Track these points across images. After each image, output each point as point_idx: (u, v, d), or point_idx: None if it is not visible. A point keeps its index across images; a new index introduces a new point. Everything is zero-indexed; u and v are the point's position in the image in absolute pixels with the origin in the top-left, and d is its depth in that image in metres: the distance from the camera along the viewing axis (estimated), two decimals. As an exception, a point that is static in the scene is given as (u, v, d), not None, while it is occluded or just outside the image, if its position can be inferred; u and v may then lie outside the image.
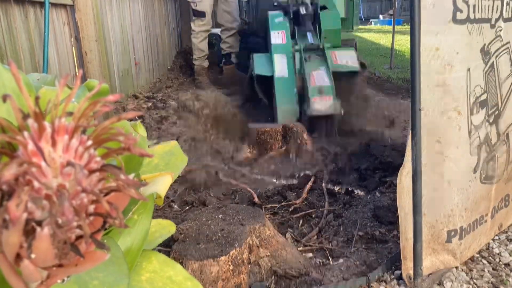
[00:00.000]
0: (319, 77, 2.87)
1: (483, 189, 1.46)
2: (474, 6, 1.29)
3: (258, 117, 3.31)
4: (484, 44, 1.37)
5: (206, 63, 4.40)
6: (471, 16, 1.28)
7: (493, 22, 1.39)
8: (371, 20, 12.78)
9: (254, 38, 4.47)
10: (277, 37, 3.37)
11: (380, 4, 15.31)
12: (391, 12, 12.52)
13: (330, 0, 3.72)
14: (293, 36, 3.39)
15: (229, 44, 4.50)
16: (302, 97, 2.94)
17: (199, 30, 4.23)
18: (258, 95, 3.32)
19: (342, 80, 3.05)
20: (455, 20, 1.25)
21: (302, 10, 3.46)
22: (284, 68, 3.11)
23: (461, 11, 1.25)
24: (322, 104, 2.72)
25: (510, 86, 1.51)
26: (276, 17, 3.53)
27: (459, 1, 1.24)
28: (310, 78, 2.86)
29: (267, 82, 3.22)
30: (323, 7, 3.61)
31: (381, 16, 12.80)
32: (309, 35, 3.33)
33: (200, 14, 4.17)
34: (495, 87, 1.44)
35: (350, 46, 3.45)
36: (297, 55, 3.11)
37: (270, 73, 3.10)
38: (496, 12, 1.39)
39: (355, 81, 3.22)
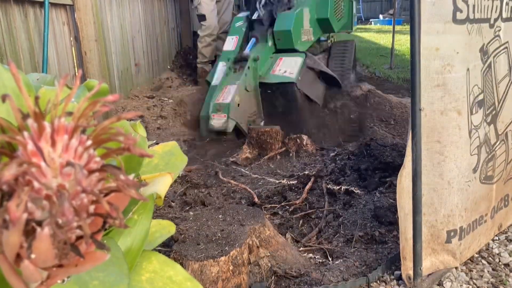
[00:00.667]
0: (227, 93, 2.92)
1: (483, 189, 1.46)
2: (473, 6, 1.29)
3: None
4: (483, 44, 1.38)
5: (208, 67, 4.30)
6: (471, 16, 1.28)
7: (492, 22, 1.39)
8: (371, 20, 12.78)
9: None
10: (230, 43, 3.32)
11: (380, 4, 15.32)
12: (391, 12, 12.52)
13: (302, 1, 3.50)
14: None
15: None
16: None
17: (203, 34, 4.20)
18: None
19: (275, 91, 3.07)
20: (455, 20, 1.25)
21: (260, 12, 3.34)
22: (219, 77, 3.11)
23: (461, 11, 1.25)
24: (217, 121, 2.84)
25: (507, 86, 1.51)
26: (238, 21, 3.46)
27: (459, 1, 1.24)
28: (220, 93, 2.93)
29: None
30: (289, 8, 3.43)
31: (381, 16, 12.80)
32: (251, 41, 3.24)
33: (201, 18, 4.12)
34: (491, 86, 1.45)
35: (301, 53, 3.30)
36: (227, 65, 3.12)
37: (212, 80, 3.15)
38: (495, 12, 1.40)
39: (289, 92, 3.09)
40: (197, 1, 4.05)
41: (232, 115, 2.85)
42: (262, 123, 3.02)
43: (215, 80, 3.12)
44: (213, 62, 4.32)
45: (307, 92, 3.16)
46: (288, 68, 3.08)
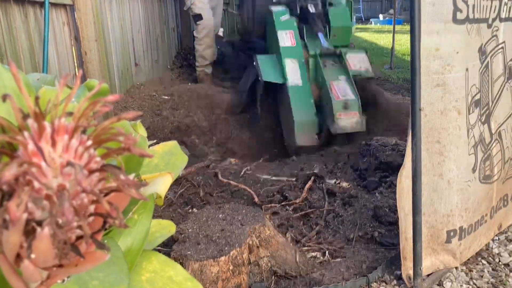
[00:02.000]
0: (341, 89, 2.61)
1: (483, 189, 1.46)
2: (473, 6, 1.29)
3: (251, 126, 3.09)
4: (482, 44, 1.38)
5: (209, 70, 4.12)
6: (470, 16, 1.29)
7: (490, 22, 1.40)
8: (371, 20, 12.77)
9: (251, 40, 4.12)
10: (285, 38, 2.99)
11: (380, 4, 15.31)
12: (391, 12, 12.52)
13: None
14: (301, 37, 3.05)
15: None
16: (320, 108, 2.71)
17: (201, 36, 3.92)
18: (255, 103, 3.03)
19: (359, 88, 2.81)
20: (455, 20, 1.25)
21: (311, 8, 3.11)
22: (297, 75, 2.80)
23: (461, 11, 1.25)
24: (348, 120, 2.49)
25: (501, 85, 1.52)
26: (281, 15, 3.13)
27: (459, 1, 1.24)
28: (331, 89, 2.60)
29: (273, 90, 2.95)
30: (330, 4, 3.31)
31: (381, 16, 12.79)
32: (320, 36, 2.97)
33: (197, 18, 3.87)
34: (488, 86, 1.45)
35: (359, 49, 3.18)
36: (311, 61, 2.84)
37: (281, 80, 2.80)
38: (494, 12, 1.40)
39: (371, 88, 2.96)
40: (190, 1, 3.80)
41: (361, 112, 2.58)
42: (364, 121, 2.65)
43: (294, 80, 2.80)
44: (214, 63, 4.16)
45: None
46: (359, 63, 2.95)
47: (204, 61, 4.05)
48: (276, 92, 3.01)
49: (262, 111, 3.11)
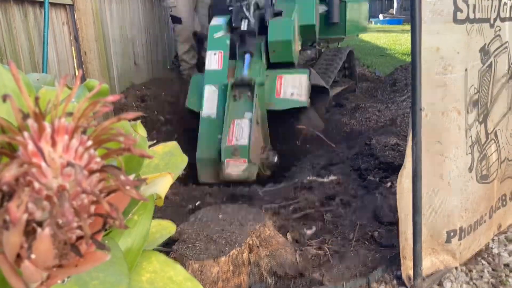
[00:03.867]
0: (238, 131, 2.30)
1: (481, 189, 1.46)
2: (474, 6, 1.29)
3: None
4: (485, 44, 1.38)
5: (195, 72, 3.84)
6: (471, 16, 1.29)
7: (492, 21, 1.40)
8: (371, 19, 12.78)
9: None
10: (213, 60, 2.62)
11: (380, 3, 15.33)
12: (391, 11, 12.52)
13: (291, 4, 2.95)
14: (234, 56, 2.68)
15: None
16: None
17: (180, 40, 3.80)
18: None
19: (286, 118, 2.56)
20: (455, 20, 1.25)
21: (243, 24, 2.64)
22: (213, 106, 2.47)
23: (461, 11, 1.25)
24: (235, 168, 2.22)
25: (502, 85, 1.52)
26: (215, 30, 2.73)
27: (459, 1, 1.24)
28: (229, 130, 2.31)
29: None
30: (277, 13, 2.84)
31: (381, 16, 12.80)
32: (246, 59, 2.57)
33: (176, 20, 3.69)
34: (487, 86, 1.45)
35: (303, 69, 2.76)
36: (228, 90, 2.45)
37: (199, 108, 2.52)
38: (495, 11, 1.40)
39: (303, 117, 2.62)
40: (171, 3, 3.62)
41: (253, 158, 2.26)
42: (276, 159, 2.46)
43: (208, 110, 2.49)
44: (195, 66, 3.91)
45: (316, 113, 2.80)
46: (293, 89, 2.56)
47: (186, 64, 3.93)
48: None
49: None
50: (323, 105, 2.96)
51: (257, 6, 2.74)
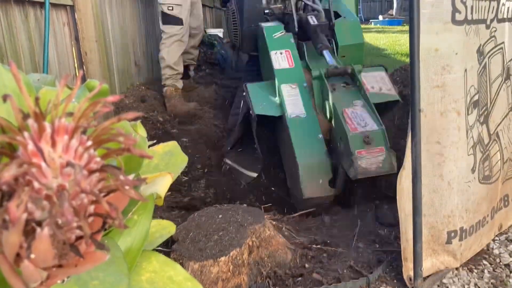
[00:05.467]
0: (358, 118, 1.91)
1: (483, 190, 1.47)
2: (471, 7, 1.29)
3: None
4: (480, 45, 1.38)
5: (180, 84, 3.34)
6: (469, 17, 1.29)
7: (488, 22, 1.40)
8: (371, 20, 12.79)
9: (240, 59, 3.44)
10: (281, 59, 2.35)
11: (380, 4, 15.34)
12: (390, 12, 12.52)
13: (343, 4, 2.70)
14: (301, 57, 2.41)
15: (193, 56, 3.64)
16: (332, 145, 2.05)
17: (173, 42, 3.18)
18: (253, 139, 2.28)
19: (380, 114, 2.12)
20: (454, 21, 1.25)
21: (312, 20, 2.37)
22: (298, 104, 2.13)
23: (459, 12, 1.25)
24: (372, 160, 1.76)
25: (499, 86, 1.52)
26: (274, 31, 2.49)
27: (458, 2, 1.24)
28: (345, 119, 1.90)
29: (269, 123, 2.26)
30: (337, 15, 2.59)
31: (380, 17, 12.80)
32: (326, 54, 2.23)
33: (176, 21, 3.14)
34: (486, 87, 1.45)
35: (377, 66, 2.43)
36: (315, 84, 2.16)
37: (278, 112, 2.14)
38: (492, 12, 1.40)
39: (394, 114, 2.31)
40: (175, 0, 3.12)
41: (388, 145, 1.81)
42: (393, 158, 1.93)
43: (294, 110, 2.11)
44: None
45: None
46: (378, 83, 2.20)
47: (172, 71, 3.26)
48: (276, 126, 2.32)
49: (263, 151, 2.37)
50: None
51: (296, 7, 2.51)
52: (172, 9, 3.10)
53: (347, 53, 2.46)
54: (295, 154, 1.94)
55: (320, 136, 2.01)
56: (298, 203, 1.99)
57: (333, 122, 2.01)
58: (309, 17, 2.39)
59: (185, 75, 3.52)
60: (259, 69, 2.85)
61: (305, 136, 1.97)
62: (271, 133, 2.41)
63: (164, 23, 3.15)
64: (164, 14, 3.13)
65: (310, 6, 2.47)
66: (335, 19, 2.54)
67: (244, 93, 2.34)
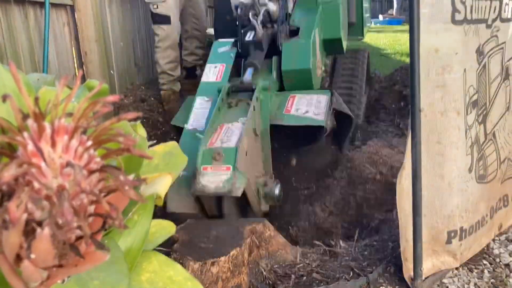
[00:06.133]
0: (227, 134, 1.77)
1: (480, 189, 1.47)
2: (471, 7, 1.29)
3: None
4: (480, 45, 1.38)
5: (177, 86, 3.26)
6: (468, 17, 1.29)
7: (489, 22, 1.40)
8: (371, 20, 12.77)
9: None
10: (211, 72, 2.22)
11: (380, 4, 15.33)
12: (391, 12, 12.52)
13: (311, 16, 2.40)
14: (241, 73, 2.23)
15: (199, 57, 3.46)
16: None
17: (164, 45, 3.03)
18: None
19: (294, 138, 2.05)
20: (454, 21, 1.25)
21: (249, 35, 2.21)
22: (202, 118, 1.99)
23: (459, 12, 1.25)
24: (214, 177, 1.58)
25: (498, 85, 1.52)
26: (220, 46, 2.37)
27: (457, 2, 1.24)
28: (216, 133, 1.78)
29: None
30: (293, 32, 2.35)
31: (381, 16, 12.80)
32: (248, 71, 2.10)
33: (163, 20, 2.95)
34: (485, 87, 1.45)
35: (324, 90, 2.26)
36: (218, 97, 1.98)
37: (184, 122, 2.03)
38: (494, 12, 1.40)
39: (317, 140, 2.08)
40: None
41: (240, 166, 1.62)
42: (277, 190, 1.81)
43: (194, 122, 1.99)
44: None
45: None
46: (309, 107, 2.04)
47: (169, 77, 3.18)
48: None
49: None
50: (345, 138, 2.43)
51: (268, 17, 2.30)
52: (157, 7, 2.93)
53: (293, 78, 2.23)
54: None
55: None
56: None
57: None
58: (248, 32, 2.23)
59: (193, 76, 3.47)
60: None
61: (191, 149, 1.69)
62: None
63: (153, 23, 3.03)
64: (152, 14, 3.00)
65: (252, 21, 2.24)
66: (290, 38, 2.32)
67: None
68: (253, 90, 1.98)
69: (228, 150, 1.64)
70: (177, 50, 3.15)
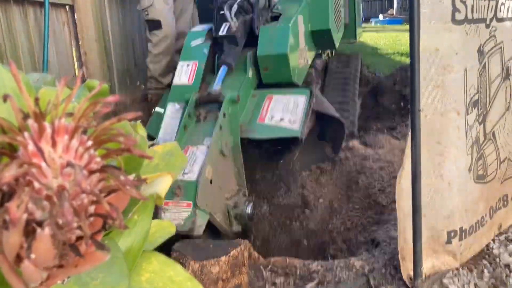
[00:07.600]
0: (190, 161, 1.63)
1: (478, 189, 1.47)
2: (472, 6, 1.29)
3: None
4: (480, 44, 1.38)
5: (167, 92, 2.99)
6: (469, 17, 1.29)
7: (488, 22, 1.40)
8: (371, 19, 12.77)
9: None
10: (183, 72, 2.05)
11: (380, 3, 15.33)
12: (391, 11, 12.53)
13: (295, 3, 2.24)
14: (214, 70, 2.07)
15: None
16: None
17: (157, 51, 2.84)
18: None
19: (268, 152, 1.91)
20: (454, 21, 1.25)
21: (222, 29, 2.01)
22: (173, 128, 1.85)
23: (459, 12, 1.25)
24: (176, 214, 1.50)
25: (498, 85, 1.52)
26: (192, 38, 2.16)
27: (458, 2, 1.24)
28: None
29: None
30: (275, 18, 2.18)
31: (381, 16, 12.79)
32: (222, 70, 1.95)
33: (155, 25, 2.81)
34: (486, 87, 1.45)
35: (306, 86, 2.08)
36: (188, 107, 1.83)
37: (156, 131, 1.92)
38: (491, 12, 1.40)
39: (291, 152, 1.95)
40: (148, 2, 2.76)
41: (202, 202, 1.51)
42: (250, 209, 1.68)
43: (165, 135, 1.86)
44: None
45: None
46: (285, 113, 1.86)
47: (158, 84, 2.96)
48: None
49: None
50: (336, 142, 2.25)
51: (250, 6, 2.11)
52: (148, 14, 2.81)
53: (269, 65, 2.02)
54: None
55: None
56: None
57: None
58: (222, 25, 2.02)
59: None
60: None
61: None
62: None
63: (148, 29, 2.91)
64: (146, 22, 2.91)
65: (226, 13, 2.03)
66: (272, 22, 2.15)
67: None
68: (220, 103, 1.80)
69: (188, 184, 1.52)
70: (170, 57, 2.94)
